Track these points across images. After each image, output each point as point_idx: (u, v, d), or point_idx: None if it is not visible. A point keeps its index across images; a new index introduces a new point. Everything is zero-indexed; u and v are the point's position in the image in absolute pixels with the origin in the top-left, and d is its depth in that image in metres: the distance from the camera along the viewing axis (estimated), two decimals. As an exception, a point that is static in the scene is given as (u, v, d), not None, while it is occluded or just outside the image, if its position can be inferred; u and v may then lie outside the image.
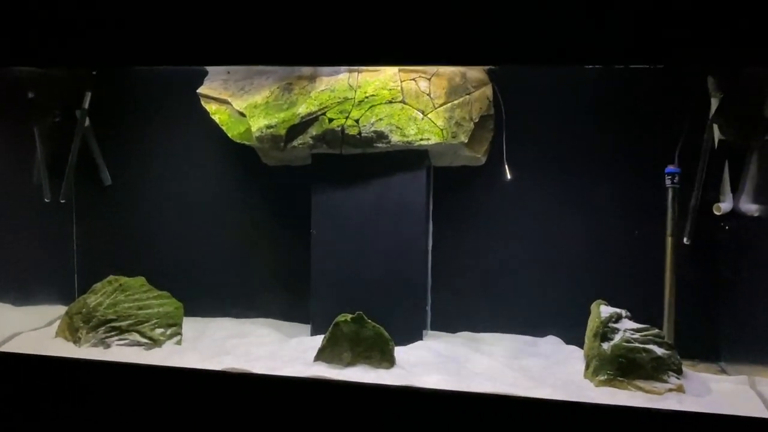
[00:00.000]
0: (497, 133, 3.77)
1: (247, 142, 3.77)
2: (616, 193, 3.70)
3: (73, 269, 4.22)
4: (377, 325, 3.34)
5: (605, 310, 3.32)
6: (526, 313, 3.88)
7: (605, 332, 3.22)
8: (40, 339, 3.73)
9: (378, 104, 3.54)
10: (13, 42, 3.41)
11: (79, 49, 3.18)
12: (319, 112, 3.58)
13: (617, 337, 3.20)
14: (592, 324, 3.35)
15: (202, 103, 3.87)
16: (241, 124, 3.78)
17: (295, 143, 3.65)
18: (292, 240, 4.06)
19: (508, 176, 3.71)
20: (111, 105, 4.16)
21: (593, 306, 3.42)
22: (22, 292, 4.14)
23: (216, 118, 3.83)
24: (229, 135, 3.78)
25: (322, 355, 3.37)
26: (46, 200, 4.04)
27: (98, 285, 3.76)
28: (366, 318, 3.34)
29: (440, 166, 3.88)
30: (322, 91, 3.60)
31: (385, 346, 3.32)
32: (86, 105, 3.98)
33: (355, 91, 3.57)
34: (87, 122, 4.03)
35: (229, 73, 3.87)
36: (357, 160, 3.66)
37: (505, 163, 3.71)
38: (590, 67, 3.53)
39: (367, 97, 3.55)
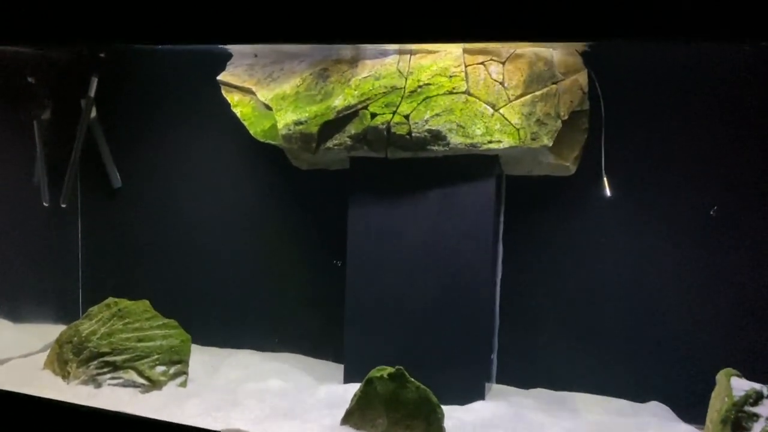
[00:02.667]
0: (593, 135, 2.86)
1: (272, 142, 3.05)
2: (753, 216, 2.73)
3: (78, 283, 3.65)
4: (423, 386, 2.57)
5: (738, 386, 2.40)
6: (621, 369, 3.01)
7: (739, 419, 2.32)
8: (29, 369, 3.18)
9: (435, 95, 2.76)
10: (3, 17, 2.87)
11: (83, 26, 2.74)
12: (360, 106, 2.83)
13: (757, 428, 2.28)
14: (719, 403, 2.43)
15: (223, 92, 3.20)
16: (267, 119, 3.07)
17: (329, 144, 2.91)
18: (325, 260, 3.33)
19: (607, 191, 2.80)
20: (121, 93, 3.54)
21: (720, 377, 2.50)
22: (20, 308, 3.58)
23: (237, 111, 3.14)
24: (252, 132, 3.08)
25: (350, 419, 2.63)
26: (45, 204, 3.47)
27: (94, 309, 3.16)
28: (408, 375, 2.57)
29: (515, 175, 3.03)
30: (365, 78, 2.84)
31: (432, 413, 2.55)
32: (92, 93, 3.39)
33: (406, 79, 2.79)
34: (93, 113, 3.43)
35: (256, 55, 3.16)
36: (406, 167, 2.91)
37: (604, 173, 2.80)
38: (721, 46, 2.66)
39: (420, 87, 2.77)
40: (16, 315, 3.59)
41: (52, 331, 3.55)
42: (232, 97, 3.18)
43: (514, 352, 3.13)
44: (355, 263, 3.02)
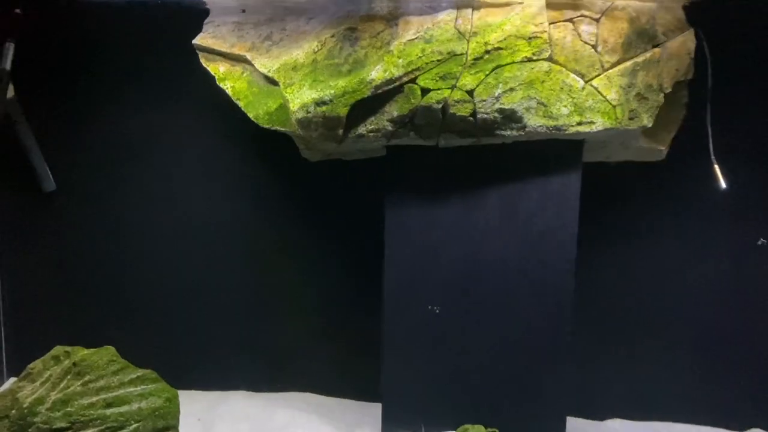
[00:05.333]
0: (693, 111, 2.30)
1: (280, 128, 2.28)
2: None
3: None
4: (523, 451, 1.96)
5: None
6: (712, 391, 2.60)
7: None
8: (-55, 455, 2.28)
9: (507, 64, 2.10)
10: None
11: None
12: (406, 78, 2.14)
13: None
14: None
15: (202, 61, 2.38)
16: (271, 97, 2.30)
17: (362, 130, 2.20)
18: (347, 276, 2.71)
19: (722, 183, 2.24)
20: (51, 63, 2.62)
21: None
22: None
23: (227, 87, 2.34)
24: (252, 116, 2.29)
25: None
26: (-53, 221, 2.54)
27: (38, 364, 2.34)
28: (504, 439, 1.95)
29: (587, 161, 2.42)
30: (411, 41, 2.13)
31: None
32: (7, 64, 2.48)
33: (468, 42, 2.10)
34: (11, 93, 2.51)
35: (243, 11, 2.35)
36: (461, 157, 2.30)
37: (714, 161, 2.24)
38: None
39: (488, 52, 2.12)
40: None
41: (-31, 389, 2.67)
42: (216, 68, 2.38)
43: (581, 378, 2.58)
44: (396, 280, 2.38)
